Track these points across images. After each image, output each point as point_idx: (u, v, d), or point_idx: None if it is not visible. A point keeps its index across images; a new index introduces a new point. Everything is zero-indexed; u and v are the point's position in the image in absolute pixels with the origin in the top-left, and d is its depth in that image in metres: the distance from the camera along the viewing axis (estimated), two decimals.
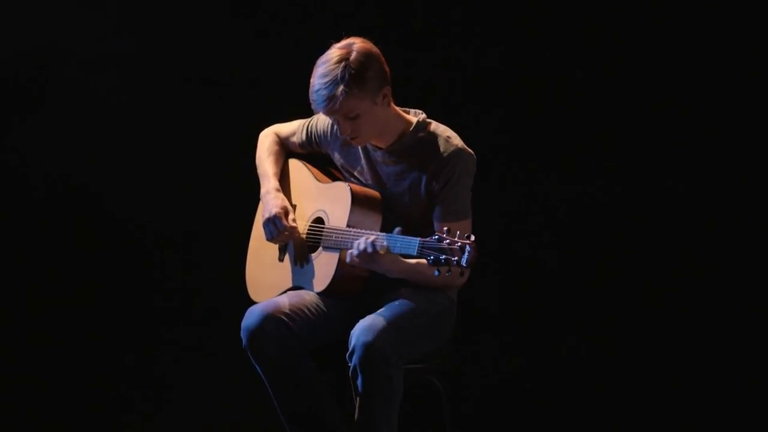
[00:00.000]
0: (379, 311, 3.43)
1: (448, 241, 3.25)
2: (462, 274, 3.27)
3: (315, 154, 3.77)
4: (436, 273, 3.26)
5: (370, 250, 3.36)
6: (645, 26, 4.41)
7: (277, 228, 3.61)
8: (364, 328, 3.37)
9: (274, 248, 3.73)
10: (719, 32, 4.37)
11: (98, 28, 4.53)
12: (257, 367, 3.51)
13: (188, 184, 4.63)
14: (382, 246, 3.35)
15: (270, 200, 3.65)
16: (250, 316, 3.51)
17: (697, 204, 4.43)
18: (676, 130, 4.43)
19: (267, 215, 3.63)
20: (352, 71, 3.40)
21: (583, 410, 4.50)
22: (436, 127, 3.59)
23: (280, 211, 3.62)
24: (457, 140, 3.56)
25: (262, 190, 3.71)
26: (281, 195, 3.68)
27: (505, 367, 4.57)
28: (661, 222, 4.45)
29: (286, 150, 3.80)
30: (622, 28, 4.42)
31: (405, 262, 3.44)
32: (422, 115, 3.60)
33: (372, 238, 3.37)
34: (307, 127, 3.75)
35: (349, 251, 3.40)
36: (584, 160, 4.49)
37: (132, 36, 4.55)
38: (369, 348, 3.33)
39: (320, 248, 3.59)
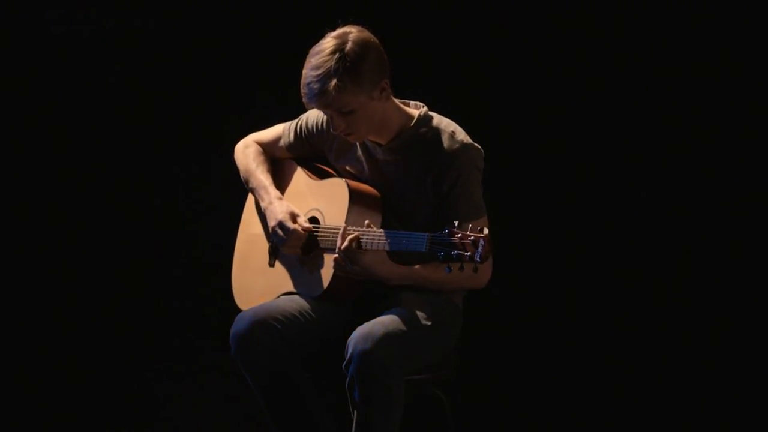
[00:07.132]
0: (378, 318, 3.32)
1: (459, 235, 3.15)
2: (476, 270, 3.15)
3: (306, 155, 3.66)
4: (448, 270, 3.17)
5: (343, 245, 3.28)
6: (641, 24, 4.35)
7: (285, 233, 3.50)
8: (362, 335, 3.25)
9: (263, 253, 3.63)
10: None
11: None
12: (247, 376, 3.41)
13: (183, 187, 4.64)
14: (366, 241, 3.26)
15: (275, 209, 3.56)
16: (240, 322, 3.42)
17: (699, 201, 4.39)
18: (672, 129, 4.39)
19: (273, 222, 3.53)
20: (347, 64, 3.29)
21: (595, 423, 4.45)
22: (440, 121, 3.48)
23: (286, 215, 3.52)
24: (462, 135, 3.45)
25: (263, 203, 3.62)
26: (285, 202, 3.58)
27: (513, 378, 4.51)
28: (667, 220, 4.39)
29: (271, 158, 3.70)
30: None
31: (402, 266, 3.36)
32: (423, 109, 3.50)
33: (355, 233, 3.30)
34: (296, 127, 3.65)
35: (334, 256, 3.33)
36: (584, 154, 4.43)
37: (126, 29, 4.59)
38: (367, 357, 3.22)
39: (316, 250, 3.48)
